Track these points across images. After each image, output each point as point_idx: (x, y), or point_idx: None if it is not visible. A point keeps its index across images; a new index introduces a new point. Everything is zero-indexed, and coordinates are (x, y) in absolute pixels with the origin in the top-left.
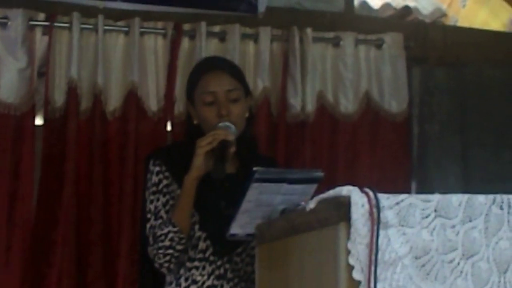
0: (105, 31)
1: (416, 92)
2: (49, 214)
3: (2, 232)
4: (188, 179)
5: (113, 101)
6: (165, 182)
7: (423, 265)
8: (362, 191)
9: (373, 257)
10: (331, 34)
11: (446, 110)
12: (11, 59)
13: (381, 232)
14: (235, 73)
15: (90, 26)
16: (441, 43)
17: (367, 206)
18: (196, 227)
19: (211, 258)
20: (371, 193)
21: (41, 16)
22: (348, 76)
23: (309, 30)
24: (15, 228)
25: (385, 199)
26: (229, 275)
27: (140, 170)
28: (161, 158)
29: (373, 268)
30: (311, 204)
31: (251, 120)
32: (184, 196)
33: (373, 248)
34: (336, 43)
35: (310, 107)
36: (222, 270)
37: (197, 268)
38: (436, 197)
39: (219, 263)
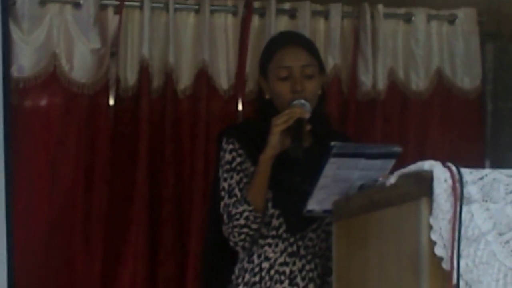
0: (176, 9)
1: (489, 68)
2: (122, 193)
3: (80, 207)
4: (264, 157)
5: (184, 80)
6: (238, 159)
7: (507, 242)
8: (445, 166)
9: (456, 233)
10: (402, 10)
11: None
12: (84, 39)
13: (464, 208)
14: (311, 48)
15: (161, 5)
16: None
17: (449, 181)
18: (269, 204)
19: (284, 235)
20: (453, 168)
21: None
22: (420, 52)
23: (380, 6)
24: (92, 205)
25: (468, 174)
26: (302, 252)
27: (211, 149)
28: (234, 136)
29: (456, 244)
30: (392, 179)
31: (323, 97)
32: (259, 175)
33: (456, 224)
34: (407, 19)
35: (381, 84)
36: (294, 247)
37: (269, 245)
38: None
39: (291, 240)
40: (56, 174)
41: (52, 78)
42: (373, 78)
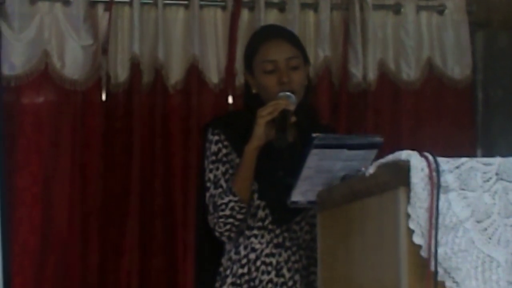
0: (165, 5)
1: (479, 57)
2: (117, 187)
3: (76, 204)
4: (249, 148)
5: (175, 75)
6: (224, 151)
7: (485, 229)
8: (421, 155)
9: (433, 221)
10: (391, 1)
11: (511, 75)
12: (75, 36)
13: (441, 196)
14: (294, 40)
15: (150, 1)
16: (504, 6)
17: (426, 170)
18: (255, 195)
19: (270, 226)
20: (430, 157)
21: None
22: (410, 43)
23: None
24: (88, 201)
25: (445, 163)
26: (287, 243)
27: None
28: (220, 127)
29: (433, 232)
30: (371, 169)
31: (310, 88)
32: (244, 166)
33: (433, 212)
34: (396, 10)
35: (372, 75)
36: (280, 239)
37: (255, 236)
38: (497, 160)
39: (277, 231)
40: (50, 173)
41: (43, 76)
42: (363, 69)
